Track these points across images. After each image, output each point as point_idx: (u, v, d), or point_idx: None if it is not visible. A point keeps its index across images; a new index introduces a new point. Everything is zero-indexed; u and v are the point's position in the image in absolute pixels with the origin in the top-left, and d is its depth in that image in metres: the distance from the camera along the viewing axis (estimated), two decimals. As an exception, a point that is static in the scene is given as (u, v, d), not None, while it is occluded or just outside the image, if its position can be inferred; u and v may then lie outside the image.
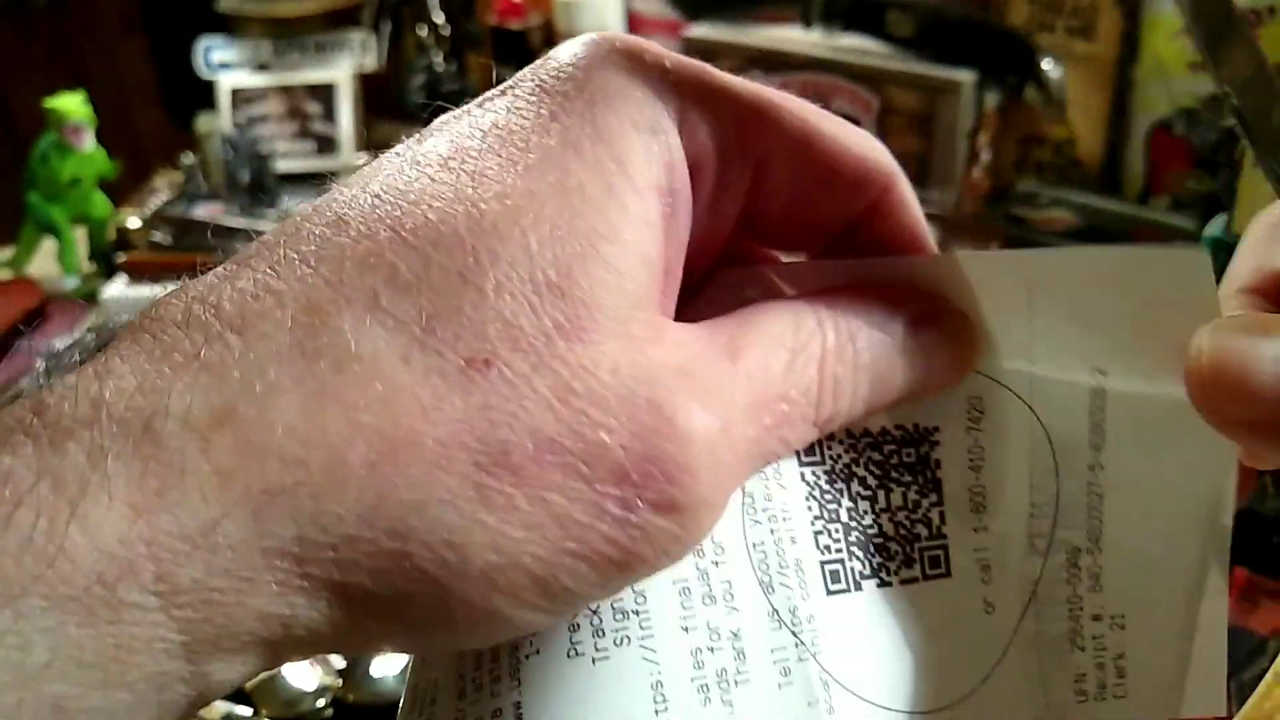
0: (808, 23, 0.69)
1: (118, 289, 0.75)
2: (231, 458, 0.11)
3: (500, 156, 0.13)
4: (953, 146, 0.65)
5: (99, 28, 1.54)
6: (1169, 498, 0.16)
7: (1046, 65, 0.61)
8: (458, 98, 0.70)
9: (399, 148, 0.14)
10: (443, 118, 0.15)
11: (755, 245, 0.17)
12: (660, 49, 0.15)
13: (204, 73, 0.90)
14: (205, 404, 0.12)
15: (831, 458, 0.16)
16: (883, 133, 0.68)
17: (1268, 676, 0.40)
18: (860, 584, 0.16)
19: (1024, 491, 0.16)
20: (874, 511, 0.16)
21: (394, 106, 0.89)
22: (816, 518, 0.16)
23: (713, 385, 0.13)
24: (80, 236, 0.83)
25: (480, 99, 0.15)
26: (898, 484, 0.16)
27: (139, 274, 0.76)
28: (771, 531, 0.16)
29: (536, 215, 0.13)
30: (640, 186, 0.13)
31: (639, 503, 0.12)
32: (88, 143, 0.79)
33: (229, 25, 0.92)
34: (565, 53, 0.15)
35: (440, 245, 0.13)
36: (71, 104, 0.78)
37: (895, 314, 0.15)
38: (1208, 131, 0.62)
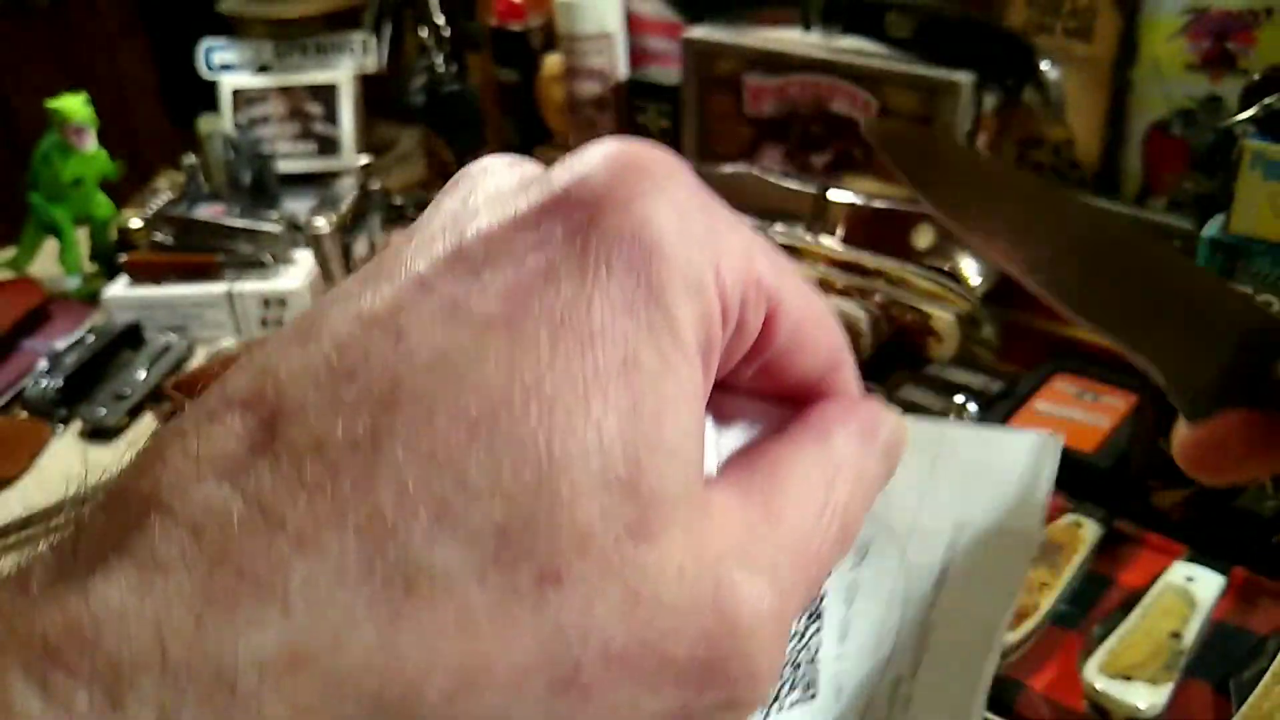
0: (807, 24, 0.69)
1: (119, 289, 0.76)
2: (309, 698, 0.11)
3: (562, 326, 0.12)
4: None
5: (100, 29, 1.54)
6: (969, 636, 0.18)
7: (1044, 67, 0.62)
8: (458, 99, 0.71)
9: (419, 293, 0.13)
10: (469, 241, 0.13)
11: None
12: (693, 183, 0.14)
13: (205, 74, 0.91)
14: (277, 644, 0.11)
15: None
16: (882, 134, 0.68)
17: (1267, 677, 0.40)
18: (764, 712, 0.18)
19: (877, 624, 0.19)
20: None
21: (395, 108, 0.90)
22: None
23: (765, 563, 0.13)
24: (82, 237, 0.84)
25: (512, 227, 0.13)
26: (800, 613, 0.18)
27: (141, 274, 0.76)
28: None
29: (603, 402, 0.12)
30: (690, 352, 0.13)
31: (702, 704, 0.12)
32: (90, 143, 0.79)
33: (230, 26, 0.92)
34: (605, 182, 0.13)
35: (512, 443, 0.12)
36: (73, 105, 0.78)
37: (874, 435, 0.16)
38: (1205, 133, 0.63)
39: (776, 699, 0.18)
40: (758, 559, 0.13)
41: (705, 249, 0.13)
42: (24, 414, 0.67)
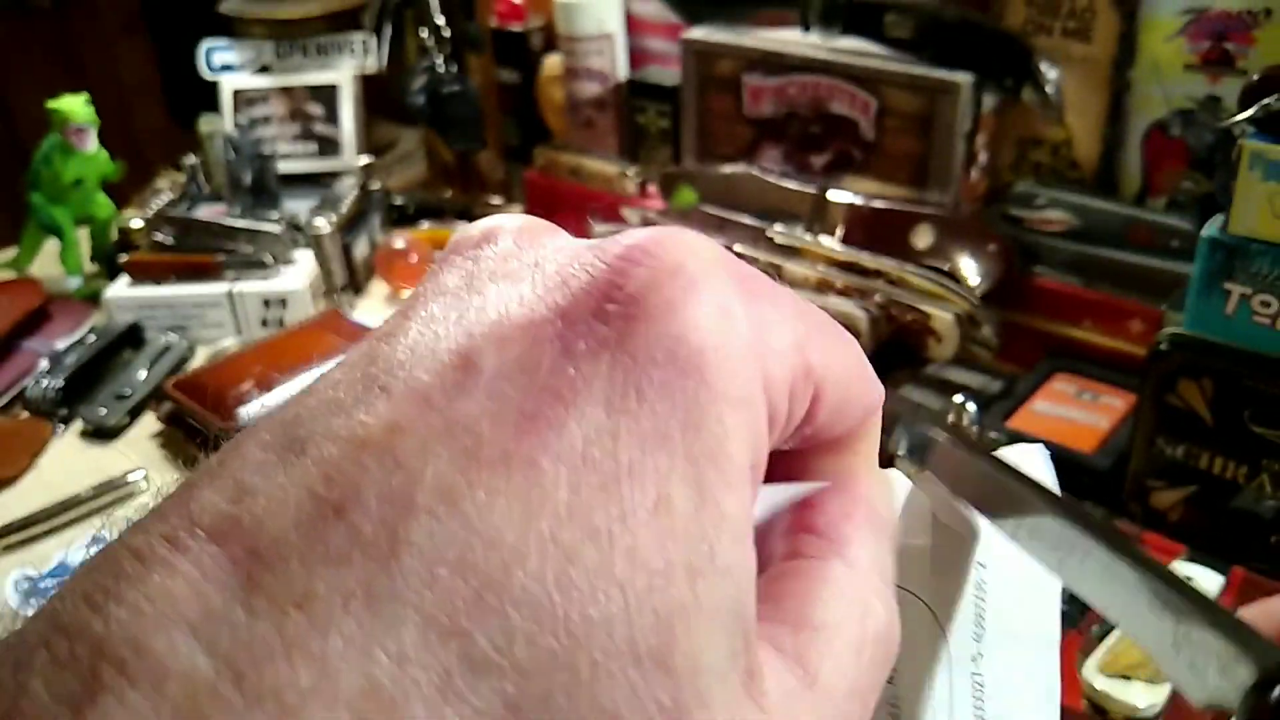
0: (806, 25, 0.69)
1: (120, 289, 0.76)
2: None
3: (585, 465, 0.11)
4: (950, 148, 0.65)
5: (101, 29, 1.54)
6: (1023, 678, 0.17)
7: (1044, 67, 0.62)
8: (458, 99, 0.71)
9: (435, 398, 0.11)
10: (478, 344, 0.11)
11: None
12: (736, 271, 0.12)
13: (206, 74, 0.91)
14: None
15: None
16: (881, 134, 0.68)
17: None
18: None
19: (928, 694, 0.17)
20: None
21: (395, 108, 0.90)
22: None
23: None
24: (83, 237, 0.84)
25: (529, 331, 0.11)
26: None
27: (141, 274, 0.76)
28: None
29: (630, 558, 0.10)
30: (736, 479, 0.11)
31: None
32: (90, 144, 0.79)
33: (231, 27, 0.93)
34: (639, 285, 0.11)
35: (525, 607, 0.10)
36: (74, 105, 0.78)
37: (883, 524, 0.15)
38: (1204, 133, 0.63)
39: None
40: None
41: (753, 354, 0.12)
42: (25, 414, 0.67)
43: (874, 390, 0.15)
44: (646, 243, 0.12)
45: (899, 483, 0.17)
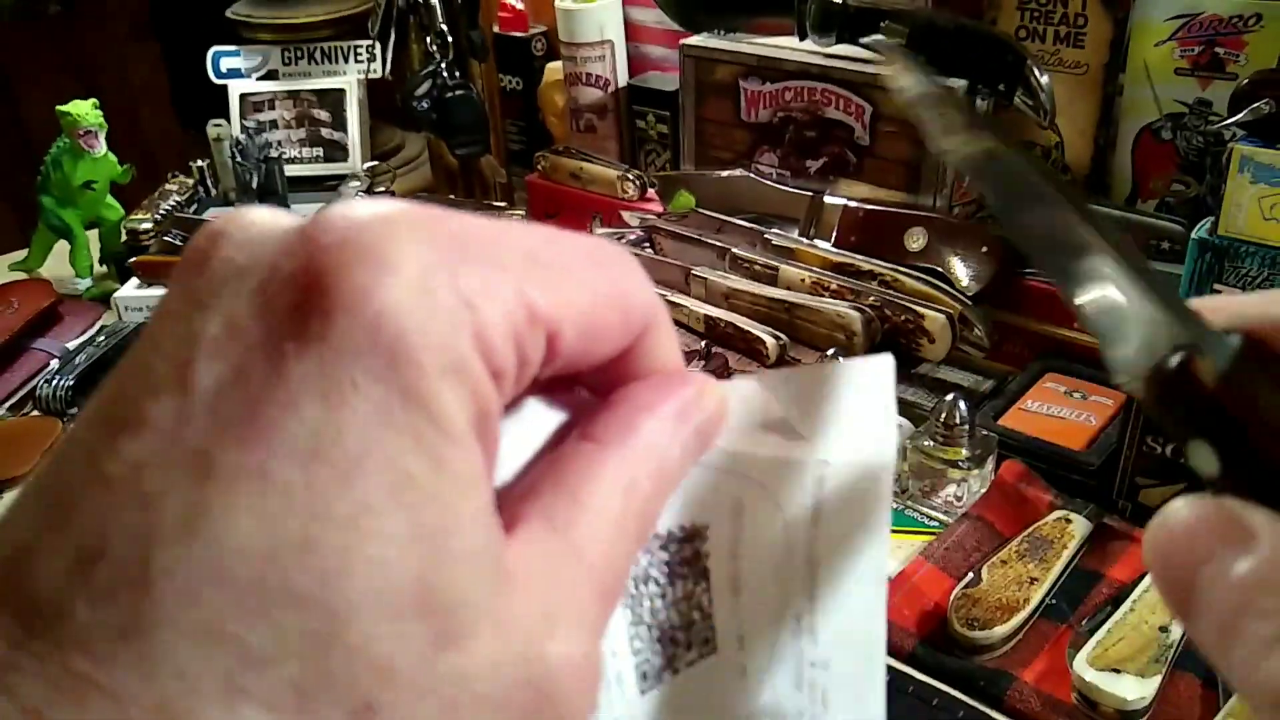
0: (802, 33, 0.70)
1: (130, 290, 0.77)
2: None
3: (316, 462, 0.11)
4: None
5: (111, 35, 1.56)
6: (853, 562, 0.19)
7: (1036, 72, 0.62)
8: (461, 104, 0.71)
9: (151, 441, 0.11)
10: (201, 363, 0.12)
11: None
12: (430, 235, 0.13)
13: (214, 79, 0.92)
14: None
15: (634, 564, 0.18)
16: (874, 138, 0.69)
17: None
18: (660, 677, 0.18)
19: (768, 571, 0.19)
20: (665, 606, 0.18)
21: (400, 113, 0.91)
22: (630, 622, 0.18)
23: (572, 614, 0.14)
24: (92, 239, 0.85)
25: (241, 341, 0.12)
26: (679, 578, 0.18)
27: (150, 276, 0.77)
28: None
29: (379, 535, 0.11)
30: (464, 439, 0.12)
31: None
32: (100, 147, 0.81)
33: (239, 33, 0.94)
34: (330, 275, 0.12)
35: (287, 603, 0.11)
36: (84, 109, 0.80)
37: (687, 417, 0.16)
38: (1194, 136, 0.63)
39: (673, 664, 0.19)
40: (564, 614, 0.13)
41: (459, 318, 0.12)
42: (35, 413, 0.68)
43: (636, 311, 0.15)
44: (337, 226, 0.12)
45: (742, 387, 0.18)
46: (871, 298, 0.62)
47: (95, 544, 0.11)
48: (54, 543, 0.11)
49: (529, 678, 0.13)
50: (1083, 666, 0.43)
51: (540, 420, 0.16)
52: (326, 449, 0.11)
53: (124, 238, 0.82)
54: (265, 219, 0.13)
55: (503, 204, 0.90)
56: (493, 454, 0.13)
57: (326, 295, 0.12)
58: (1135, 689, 0.42)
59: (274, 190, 0.83)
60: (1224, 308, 0.16)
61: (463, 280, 0.13)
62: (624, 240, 0.73)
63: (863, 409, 0.18)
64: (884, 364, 0.18)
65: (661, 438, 0.16)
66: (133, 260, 0.78)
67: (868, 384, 0.18)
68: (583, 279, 0.14)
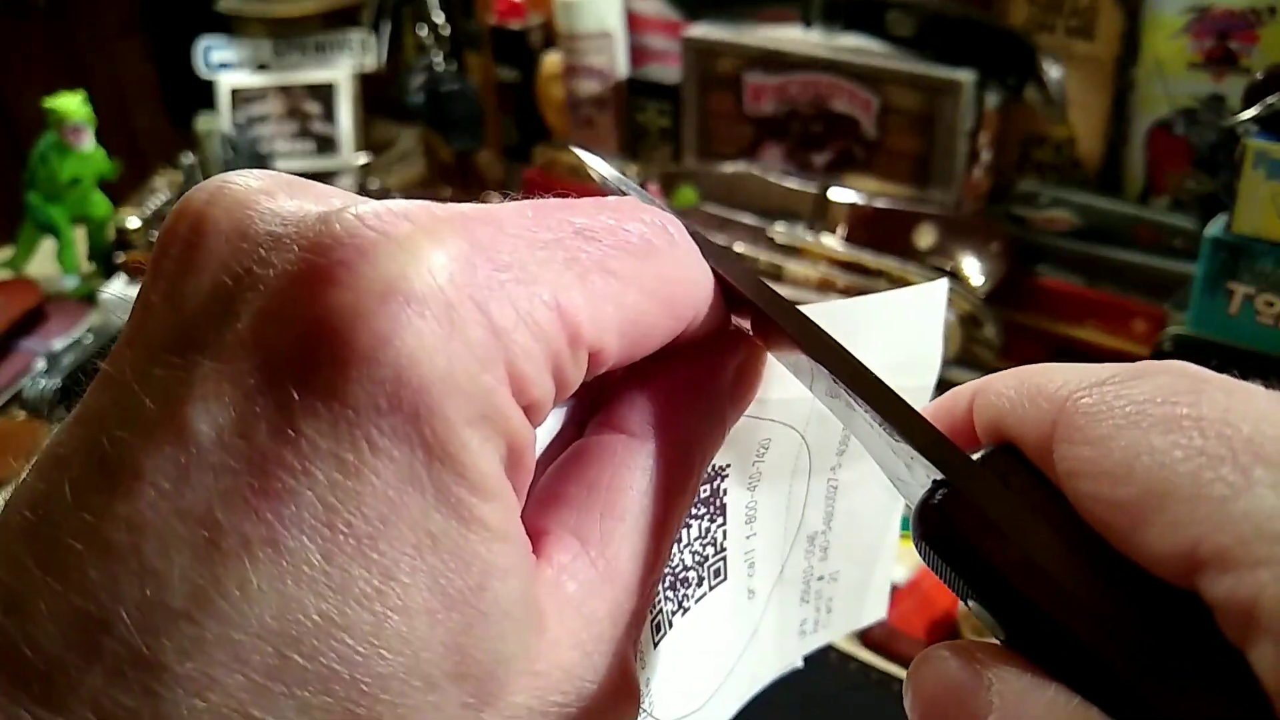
0: (808, 22, 0.69)
1: (117, 289, 0.75)
2: None
3: (332, 533, 0.10)
4: (953, 146, 0.65)
5: (99, 28, 1.54)
6: (875, 481, 0.19)
7: (1047, 65, 0.61)
8: (458, 97, 0.70)
9: (161, 484, 0.10)
10: (192, 413, 0.11)
11: None
12: (454, 253, 0.11)
13: (204, 73, 0.90)
14: None
15: None
16: (883, 132, 0.68)
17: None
18: (671, 621, 0.18)
19: (784, 497, 0.19)
20: (679, 550, 0.18)
21: (393, 106, 0.89)
22: None
23: (607, 639, 0.13)
24: (80, 236, 0.83)
25: (239, 386, 0.11)
26: (695, 518, 0.18)
27: (138, 274, 0.76)
28: None
29: (405, 609, 0.11)
30: (489, 488, 0.11)
31: None
32: (87, 143, 0.79)
33: (229, 25, 0.92)
34: (351, 321, 0.10)
35: (312, 684, 0.10)
36: (71, 104, 0.78)
37: (723, 403, 0.15)
38: (1207, 131, 0.62)
39: (682, 604, 0.18)
40: (599, 647, 0.13)
41: (490, 356, 0.11)
42: (22, 414, 0.67)
43: (686, 307, 0.14)
44: (347, 246, 0.11)
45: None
46: (879, 296, 0.61)
47: (99, 615, 0.10)
48: (53, 606, 0.10)
49: (567, 716, 0.12)
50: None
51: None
52: (343, 518, 0.10)
53: (112, 235, 0.81)
54: (260, 201, 0.12)
55: (499, 199, 0.88)
56: (525, 479, 0.13)
57: (340, 343, 0.11)
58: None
59: (266, 186, 0.82)
60: (945, 409, 0.15)
61: (494, 306, 0.11)
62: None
63: (910, 334, 0.18)
64: (938, 288, 0.18)
65: (703, 421, 0.15)
66: (120, 258, 0.76)
67: (919, 311, 0.18)
68: (631, 278, 0.13)
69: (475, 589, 0.11)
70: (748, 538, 0.19)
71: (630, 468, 0.14)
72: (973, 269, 0.63)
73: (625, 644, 0.14)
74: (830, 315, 0.17)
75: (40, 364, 0.70)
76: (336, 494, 0.10)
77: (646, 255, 0.13)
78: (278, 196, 0.12)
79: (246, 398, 0.11)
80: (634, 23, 0.84)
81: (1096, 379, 0.13)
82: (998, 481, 0.13)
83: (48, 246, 0.83)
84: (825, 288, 0.63)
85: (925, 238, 0.65)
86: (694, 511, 0.18)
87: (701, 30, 0.74)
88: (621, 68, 0.84)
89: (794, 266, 0.64)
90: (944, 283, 0.18)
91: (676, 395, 0.15)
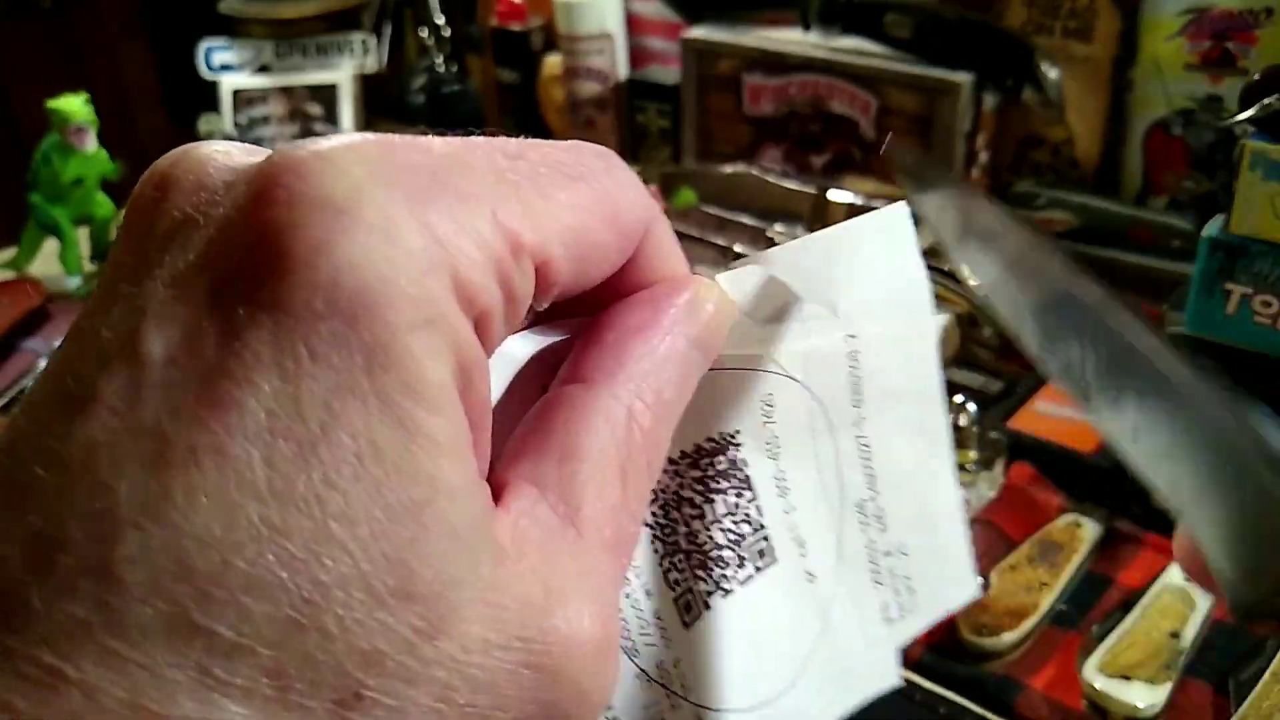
0: (806, 24, 0.69)
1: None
2: None
3: (274, 438, 0.11)
4: (951, 147, 0.65)
5: (101, 29, 1.54)
6: (909, 433, 0.18)
7: (1044, 67, 0.62)
8: (458, 98, 0.70)
9: (109, 421, 0.11)
10: (148, 331, 0.11)
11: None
12: (394, 164, 0.11)
13: (206, 74, 0.91)
14: None
15: (661, 490, 0.17)
16: (881, 133, 0.68)
17: (1266, 676, 0.40)
18: (708, 603, 0.17)
19: (811, 462, 0.18)
20: (705, 527, 0.17)
21: (395, 108, 0.90)
22: (663, 557, 0.17)
23: (573, 583, 0.12)
24: (82, 237, 0.84)
25: (191, 304, 0.11)
26: (717, 492, 0.17)
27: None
28: (627, 595, 0.16)
29: (346, 516, 0.11)
30: (436, 400, 0.11)
31: None
32: (90, 144, 0.79)
33: (231, 27, 0.93)
34: (284, 230, 0.11)
35: (254, 591, 0.10)
36: (74, 105, 0.78)
37: (684, 327, 0.15)
38: (1204, 132, 0.63)
39: (721, 585, 0.17)
40: (567, 587, 0.12)
41: (431, 265, 0.11)
42: (24, 414, 0.67)
43: (628, 222, 0.14)
44: (286, 170, 0.11)
45: (746, 278, 0.16)
46: (878, 296, 0.61)
47: (54, 533, 0.11)
48: (11, 530, 0.11)
49: (530, 659, 0.12)
50: (1093, 673, 0.43)
51: (523, 359, 0.15)
52: (285, 424, 0.11)
53: (114, 235, 0.81)
54: (217, 158, 0.12)
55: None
56: (481, 409, 0.12)
57: (279, 253, 0.11)
58: (1146, 696, 0.42)
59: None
60: None
61: (433, 216, 0.11)
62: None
63: (884, 266, 0.17)
64: (897, 212, 0.16)
65: (655, 361, 0.14)
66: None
67: (885, 238, 0.16)
68: (567, 195, 0.13)
69: (420, 503, 0.11)
70: (786, 513, 0.18)
71: (585, 412, 0.14)
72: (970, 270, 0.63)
73: (599, 586, 0.13)
74: (788, 258, 0.16)
75: (43, 364, 0.70)
76: (278, 401, 0.11)
77: (580, 175, 0.13)
78: (234, 155, 0.12)
79: (195, 316, 0.11)
80: (634, 24, 0.84)
81: None
82: None
83: (50, 247, 0.84)
84: (824, 288, 0.63)
85: (923, 239, 0.65)
86: (715, 485, 0.17)
87: (701, 32, 0.75)
88: (621, 69, 0.84)
89: (793, 267, 0.65)
90: (903, 205, 0.16)
91: (628, 337, 0.14)
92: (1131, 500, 0.53)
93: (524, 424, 0.14)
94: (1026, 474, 0.53)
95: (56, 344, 0.73)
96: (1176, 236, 0.61)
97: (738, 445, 0.17)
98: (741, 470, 0.17)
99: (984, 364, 0.63)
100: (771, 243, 0.67)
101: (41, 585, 0.10)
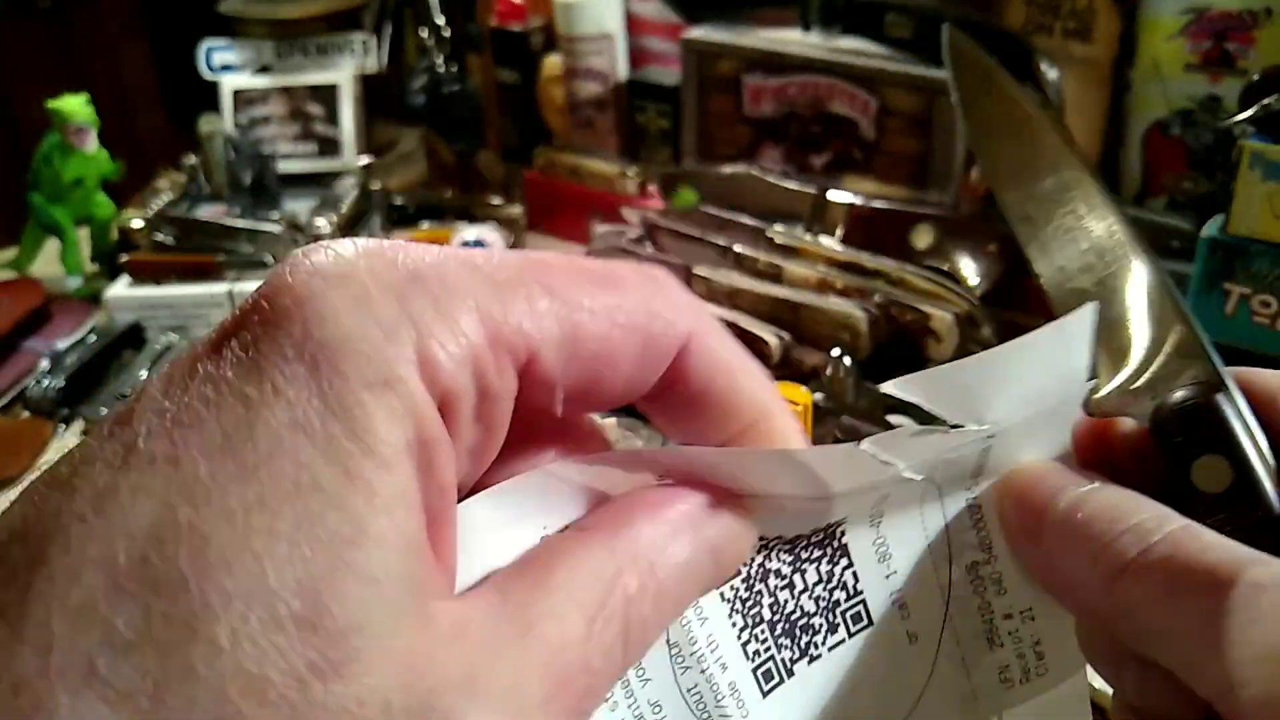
0: (806, 25, 0.69)
1: (121, 289, 0.76)
2: None
3: (223, 455, 0.11)
4: (950, 148, 0.65)
5: (102, 30, 1.54)
6: None
7: (1043, 67, 0.62)
8: (459, 99, 0.70)
9: (106, 440, 0.12)
10: (151, 385, 0.12)
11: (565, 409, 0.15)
12: (389, 261, 0.13)
13: (206, 74, 0.91)
14: None
15: (744, 565, 0.17)
16: (880, 133, 0.68)
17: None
18: (792, 669, 0.17)
19: (918, 527, 0.18)
20: (794, 597, 0.17)
21: (395, 108, 0.90)
22: (742, 629, 0.17)
23: (501, 686, 0.12)
24: (83, 237, 0.84)
25: (194, 356, 0.12)
26: (810, 562, 0.17)
27: (142, 274, 0.76)
28: (703, 671, 0.16)
29: (269, 532, 0.11)
30: (385, 456, 0.12)
31: None
32: (90, 144, 0.79)
33: (231, 27, 0.93)
34: (278, 290, 0.12)
35: (161, 588, 0.11)
36: (74, 105, 0.78)
37: (695, 529, 0.15)
38: (1204, 133, 0.63)
39: (808, 651, 0.17)
40: (492, 683, 0.12)
41: (398, 336, 0.12)
42: (25, 414, 0.67)
43: (659, 327, 0.14)
44: (299, 252, 0.13)
45: (894, 440, 0.16)
46: (877, 296, 0.61)
47: (17, 525, 0.11)
48: None
49: None
50: (1093, 674, 0.43)
51: (538, 519, 0.14)
52: (236, 445, 0.11)
53: (115, 235, 0.81)
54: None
55: (499, 200, 0.89)
56: (440, 493, 0.12)
57: (268, 309, 0.12)
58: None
59: (267, 187, 0.82)
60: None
61: (411, 297, 0.12)
62: (624, 238, 0.72)
63: (1048, 370, 0.16)
64: (1084, 316, 0.16)
65: (659, 540, 0.14)
66: (124, 258, 0.77)
67: (1059, 344, 0.16)
68: (576, 296, 0.14)
69: (345, 542, 0.11)
70: (886, 577, 0.18)
71: (573, 548, 0.14)
72: (970, 269, 0.64)
73: (529, 702, 0.12)
74: (964, 376, 0.16)
75: (44, 364, 0.70)
76: (236, 425, 0.12)
77: (606, 283, 0.14)
78: None
79: (193, 359, 0.12)
80: (634, 25, 0.84)
81: None
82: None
83: (51, 247, 0.84)
84: (824, 288, 0.63)
85: (923, 238, 0.65)
86: (807, 556, 0.17)
87: (701, 32, 0.75)
88: (621, 69, 0.84)
89: (793, 267, 0.65)
90: (1090, 308, 0.16)
91: (638, 505, 0.14)
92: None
93: (521, 558, 0.14)
94: (1026, 474, 0.53)
95: (58, 344, 0.73)
96: (1176, 236, 0.61)
97: (840, 525, 0.17)
98: (837, 540, 0.17)
99: (983, 364, 0.63)
100: (771, 243, 0.67)
101: None
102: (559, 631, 0.13)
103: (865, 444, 0.16)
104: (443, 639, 0.12)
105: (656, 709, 0.16)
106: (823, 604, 0.17)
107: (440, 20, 0.83)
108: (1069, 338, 0.17)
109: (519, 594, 0.13)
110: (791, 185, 0.71)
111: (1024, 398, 0.17)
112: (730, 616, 0.17)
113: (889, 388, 0.16)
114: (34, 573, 0.11)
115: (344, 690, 0.11)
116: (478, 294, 0.13)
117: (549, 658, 0.13)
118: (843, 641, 0.18)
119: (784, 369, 0.59)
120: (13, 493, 0.63)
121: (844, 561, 0.17)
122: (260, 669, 0.11)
